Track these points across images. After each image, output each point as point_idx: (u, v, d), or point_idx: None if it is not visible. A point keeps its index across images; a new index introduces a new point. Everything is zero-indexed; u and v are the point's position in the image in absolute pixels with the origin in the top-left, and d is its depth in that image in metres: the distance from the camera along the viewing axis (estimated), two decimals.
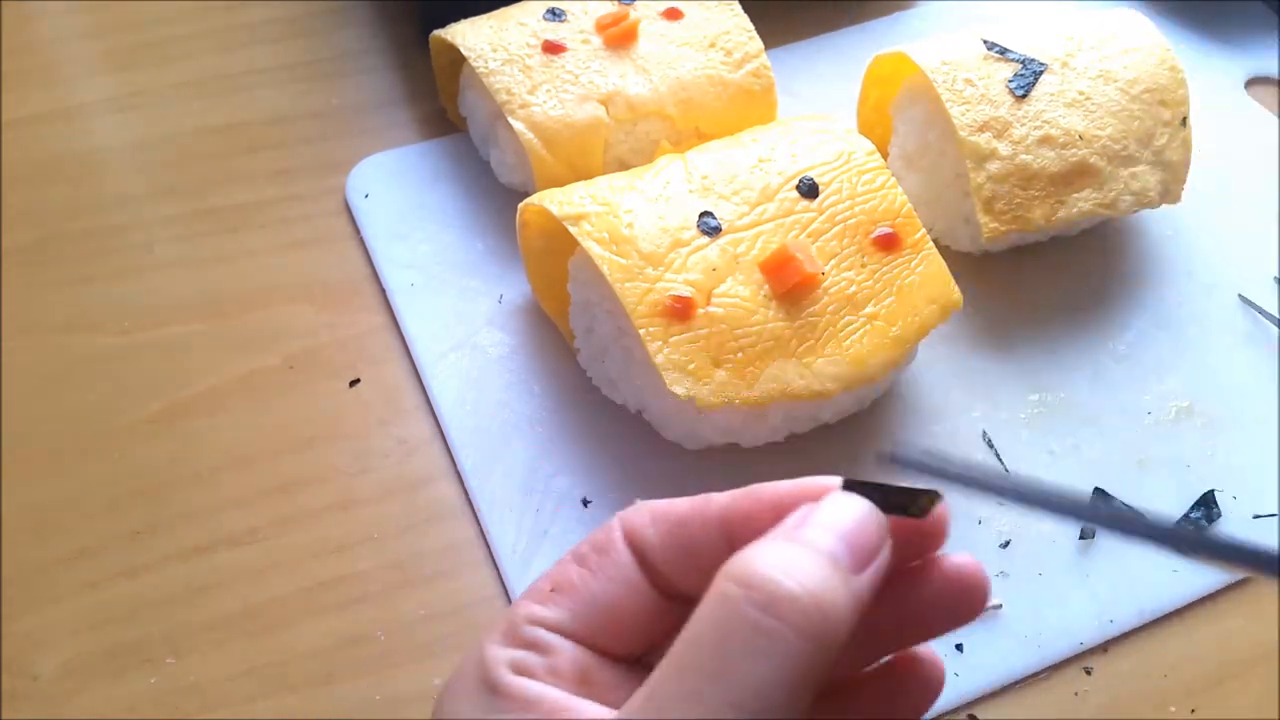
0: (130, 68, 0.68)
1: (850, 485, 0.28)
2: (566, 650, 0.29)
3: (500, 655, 0.29)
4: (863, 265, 0.49)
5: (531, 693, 0.28)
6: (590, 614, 0.30)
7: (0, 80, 0.67)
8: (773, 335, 0.47)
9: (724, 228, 0.49)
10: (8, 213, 0.60)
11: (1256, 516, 0.50)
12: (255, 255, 0.59)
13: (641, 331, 0.46)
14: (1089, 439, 0.52)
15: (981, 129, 0.54)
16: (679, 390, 0.46)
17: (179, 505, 0.50)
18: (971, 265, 0.58)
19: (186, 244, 0.60)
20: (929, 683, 0.31)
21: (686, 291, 0.47)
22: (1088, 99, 0.55)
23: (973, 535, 0.49)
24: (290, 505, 0.50)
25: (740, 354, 0.47)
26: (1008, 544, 0.49)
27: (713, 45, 0.58)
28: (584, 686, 0.29)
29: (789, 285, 0.47)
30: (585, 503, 0.49)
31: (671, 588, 0.30)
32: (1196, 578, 0.48)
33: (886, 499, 0.28)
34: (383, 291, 0.57)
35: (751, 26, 0.59)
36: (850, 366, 0.48)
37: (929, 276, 0.50)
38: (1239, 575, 0.47)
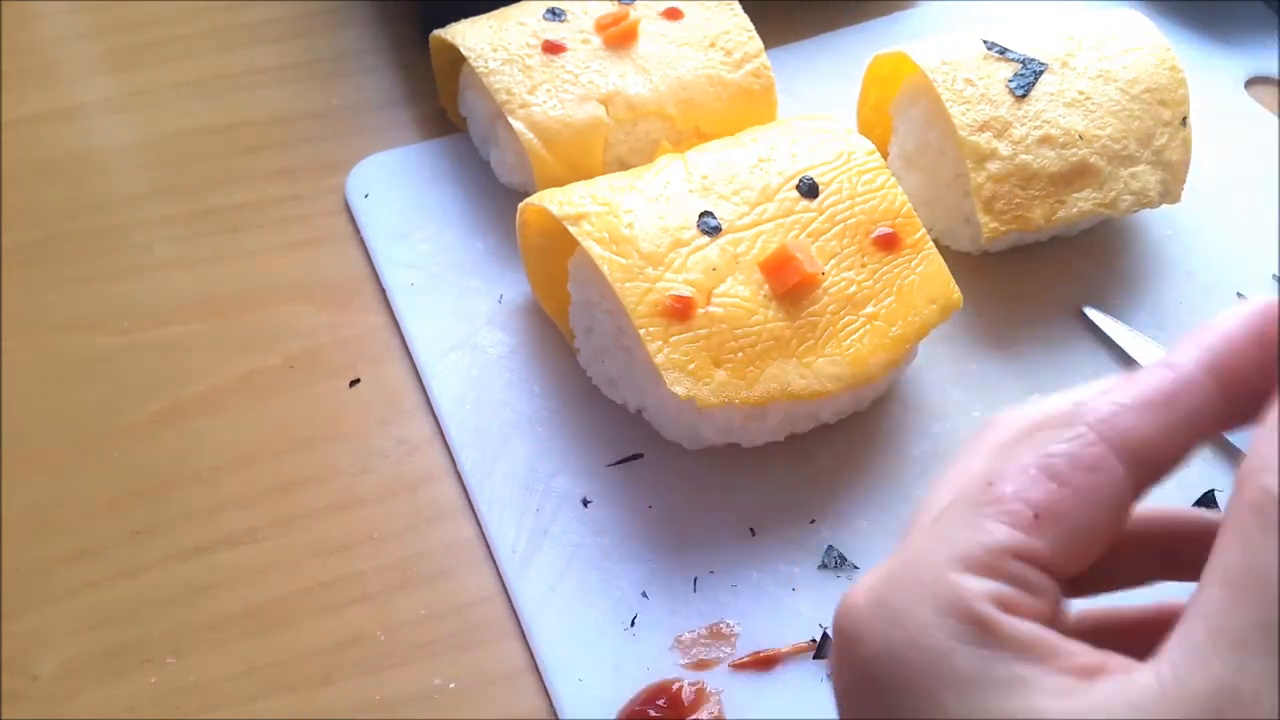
0: (130, 68, 0.68)
1: None
2: (1048, 589, 0.26)
3: (981, 588, 0.25)
4: (863, 265, 0.49)
5: (1030, 634, 0.25)
6: (1074, 545, 0.26)
7: (0, 80, 0.67)
8: (773, 335, 0.47)
9: (724, 227, 0.49)
10: (8, 213, 0.60)
11: None
12: (255, 255, 0.59)
13: (641, 331, 0.46)
14: None
15: (981, 129, 0.54)
16: (679, 390, 0.46)
17: (179, 505, 0.50)
18: (971, 265, 0.58)
19: (186, 244, 0.60)
20: None
21: (686, 291, 0.47)
22: (1088, 99, 0.55)
23: None
24: (290, 505, 0.50)
25: (740, 354, 0.47)
26: None
27: (713, 45, 0.58)
28: (1057, 624, 0.26)
29: (789, 285, 0.47)
30: (585, 503, 0.49)
31: (1152, 486, 0.27)
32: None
33: None
34: (383, 291, 0.57)
35: (751, 26, 0.59)
36: (850, 366, 0.48)
37: (929, 276, 0.50)
38: None
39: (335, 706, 0.44)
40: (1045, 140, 0.54)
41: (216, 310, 0.57)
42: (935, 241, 0.53)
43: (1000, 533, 0.26)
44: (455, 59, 0.61)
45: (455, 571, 0.48)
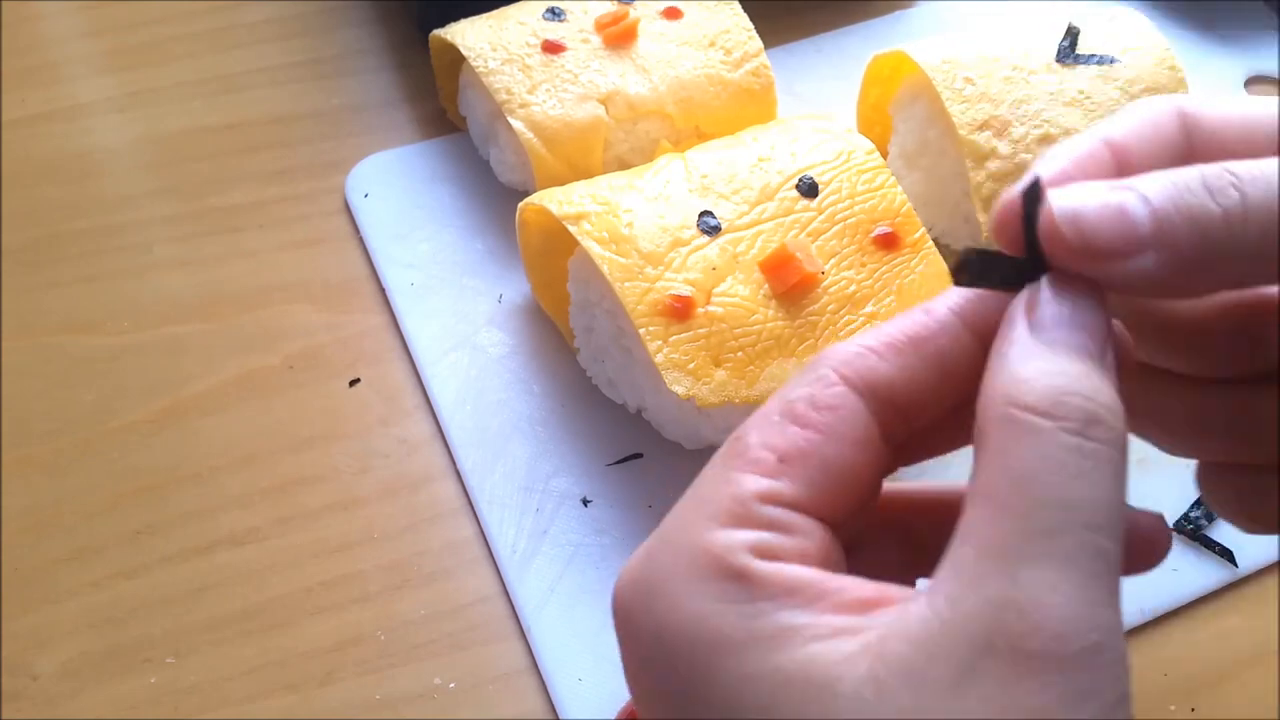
0: (130, 68, 0.68)
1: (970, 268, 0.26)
2: (811, 529, 0.25)
3: (735, 539, 0.24)
4: (862, 264, 0.49)
5: (793, 577, 0.24)
6: (826, 483, 0.25)
7: (0, 80, 0.67)
8: (772, 334, 0.47)
9: (724, 227, 0.49)
10: (8, 213, 0.60)
11: None
12: (255, 255, 0.59)
13: (641, 331, 0.46)
14: None
15: (981, 128, 0.54)
16: (679, 390, 0.46)
17: (179, 505, 0.50)
18: None
19: (186, 244, 0.60)
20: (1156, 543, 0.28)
21: (686, 291, 0.47)
22: (1087, 98, 0.55)
23: None
24: (290, 505, 0.50)
25: (740, 353, 0.47)
26: None
27: (712, 44, 0.58)
28: (830, 569, 0.25)
29: (789, 284, 0.47)
30: (585, 502, 0.49)
31: (903, 430, 0.27)
32: (1196, 577, 0.48)
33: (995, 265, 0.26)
34: (383, 291, 0.57)
35: (751, 26, 0.59)
36: None
37: (929, 276, 0.50)
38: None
39: (335, 706, 0.44)
40: (1045, 139, 0.54)
41: (216, 310, 0.57)
42: (935, 241, 0.53)
43: (746, 481, 0.25)
44: (455, 59, 0.61)
45: (455, 571, 0.48)
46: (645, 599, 0.25)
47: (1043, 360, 0.24)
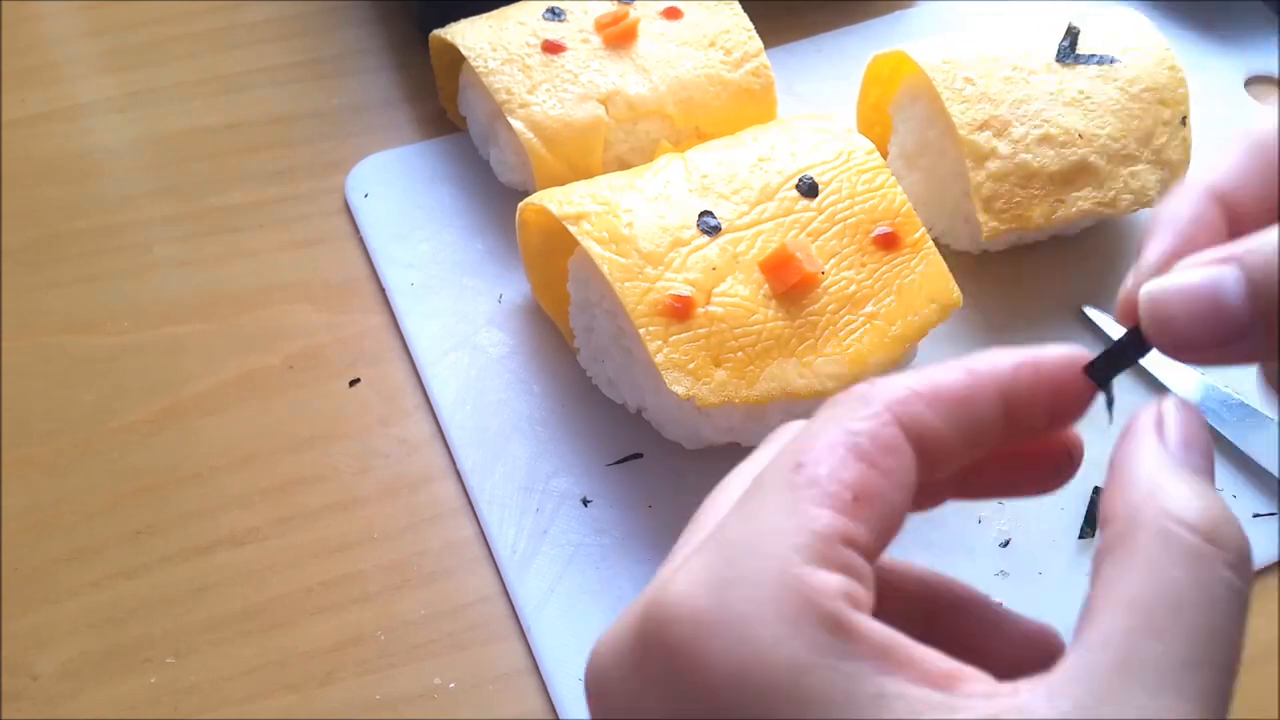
0: (130, 68, 0.68)
1: (1096, 366, 0.26)
2: (871, 580, 0.24)
3: (830, 583, 0.23)
4: (862, 264, 0.49)
5: (885, 637, 0.22)
6: (882, 529, 0.24)
7: (0, 80, 0.67)
8: (772, 334, 0.47)
9: (724, 227, 0.49)
10: (8, 213, 0.60)
11: (1256, 515, 0.50)
12: (255, 255, 0.59)
13: (641, 331, 0.46)
14: (1089, 438, 0.52)
15: (981, 128, 0.54)
16: (679, 390, 0.46)
17: (179, 505, 0.50)
18: (971, 265, 0.58)
19: (186, 244, 0.60)
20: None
21: (686, 291, 0.47)
22: (1087, 98, 0.55)
23: (973, 534, 0.49)
24: (290, 505, 0.50)
25: (740, 353, 0.47)
26: (1008, 543, 0.49)
27: (712, 44, 0.58)
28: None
29: (789, 284, 0.47)
30: (585, 502, 0.49)
31: (933, 479, 0.26)
32: None
33: (1120, 358, 0.26)
34: (383, 291, 0.57)
35: (751, 26, 0.59)
36: (850, 366, 0.48)
37: (929, 276, 0.50)
38: None
39: (335, 706, 0.44)
40: (1045, 139, 0.54)
41: (216, 310, 0.57)
42: (935, 241, 0.53)
43: (825, 517, 0.23)
44: (455, 58, 0.61)
45: (455, 571, 0.48)
46: (726, 638, 0.22)
47: (1190, 484, 0.24)
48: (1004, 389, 0.26)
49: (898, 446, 0.25)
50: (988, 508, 0.50)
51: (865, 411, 0.25)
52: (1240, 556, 0.23)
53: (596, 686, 0.25)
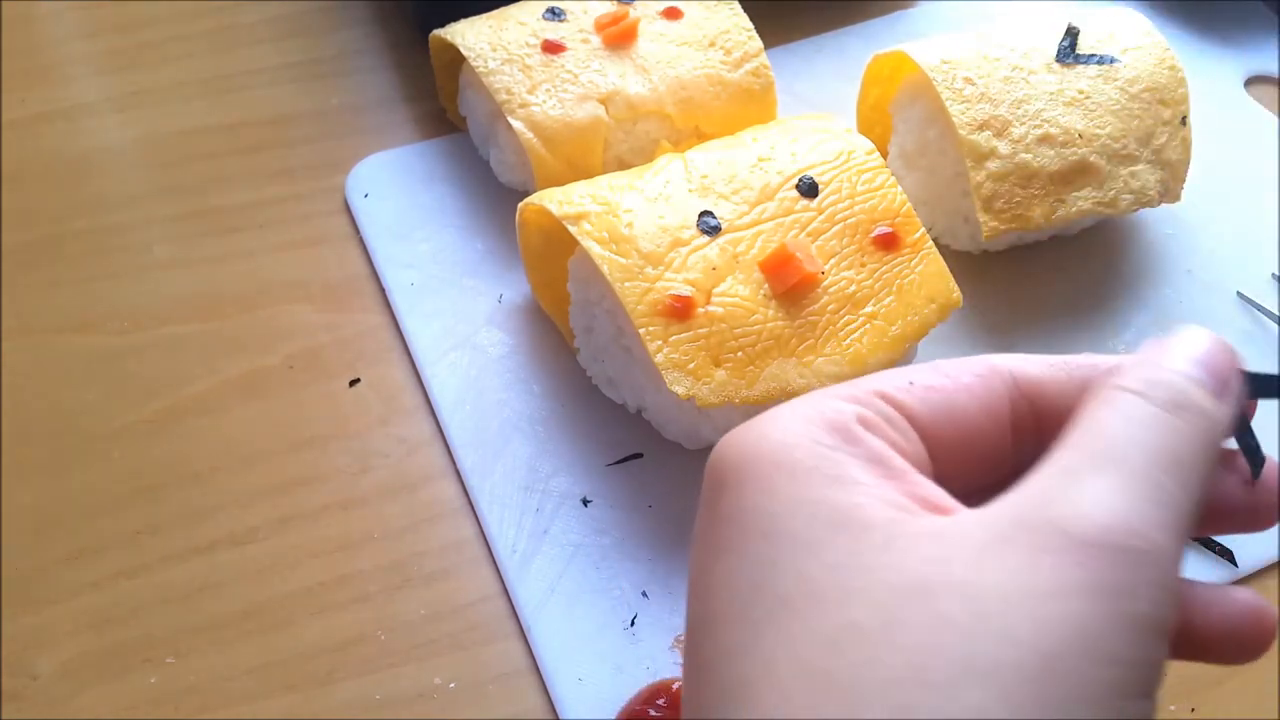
0: (130, 68, 0.68)
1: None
2: (914, 439, 0.26)
3: (847, 407, 0.26)
4: (862, 264, 0.49)
5: (881, 450, 0.25)
6: (943, 420, 0.26)
7: (0, 80, 0.67)
8: (772, 334, 0.47)
9: (724, 227, 0.49)
10: (8, 213, 0.60)
11: None
12: (255, 255, 0.59)
13: (641, 331, 0.46)
14: None
15: (981, 127, 0.54)
16: (679, 389, 0.46)
17: (179, 505, 0.50)
18: (971, 265, 0.58)
19: (186, 244, 0.60)
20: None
21: (686, 291, 0.47)
22: (1087, 98, 0.55)
23: None
24: (290, 505, 0.50)
25: (740, 353, 0.47)
26: None
27: (712, 44, 0.58)
28: None
29: (789, 284, 0.47)
30: (585, 502, 0.49)
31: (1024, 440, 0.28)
32: (1196, 576, 0.48)
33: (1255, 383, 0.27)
34: (383, 291, 0.57)
35: (751, 26, 0.59)
36: (850, 366, 0.48)
37: (928, 276, 0.50)
38: None
39: (335, 706, 0.44)
40: (1045, 139, 0.54)
41: (216, 310, 0.57)
42: (935, 241, 0.53)
43: (871, 381, 0.27)
44: (455, 58, 0.61)
45: (455, 571, 0.48)
46: (746, 432, 0.26)
47: (1152, 372, 0.26)
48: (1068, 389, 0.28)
49: (990, 372, 0.27)
50: None
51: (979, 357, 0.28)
52: (1181, 400, 0.25)
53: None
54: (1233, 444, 0.27)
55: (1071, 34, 0.56)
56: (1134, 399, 0.24)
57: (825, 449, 0.25)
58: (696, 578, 0.26)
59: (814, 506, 0.24)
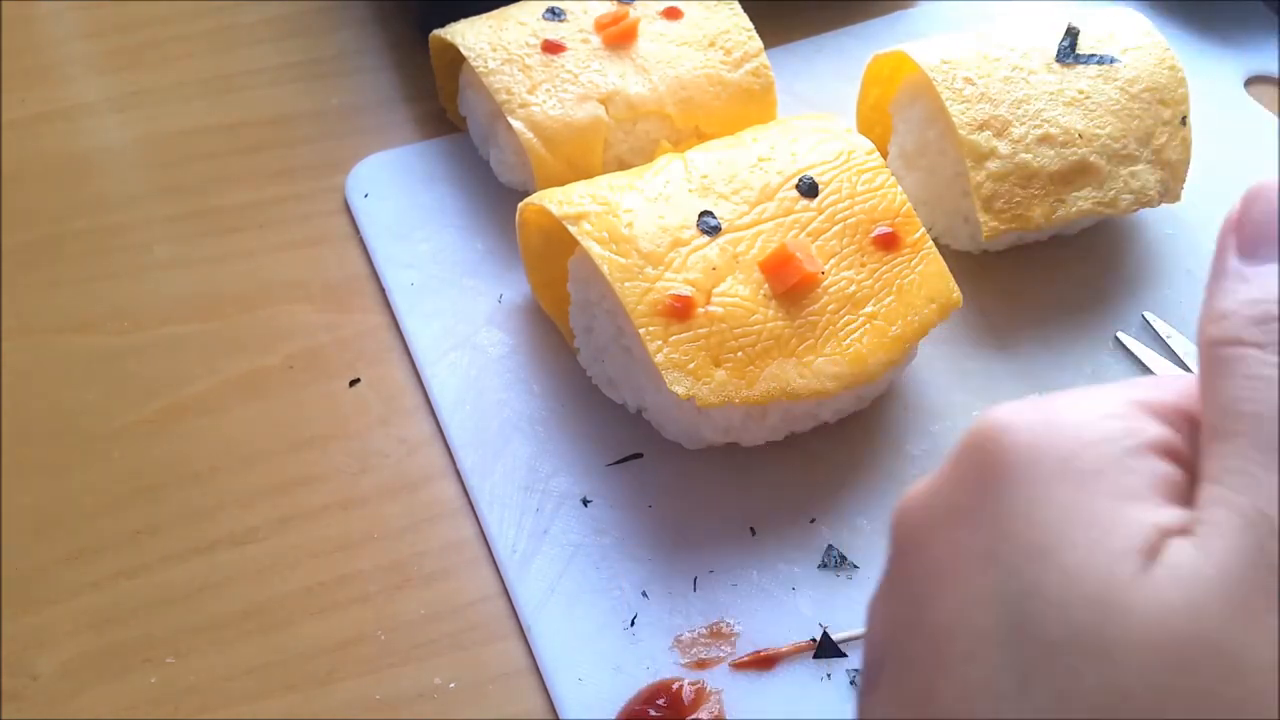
0: (130, 68, 0.68)
1: None
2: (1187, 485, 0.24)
3: (1154, 429, 0.24)
4: (862, 264, 0.49)
5: (1175, 482, 0.24)
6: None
7: (0, 80, 0.67)
8: (772, 334, 0.47)
9: (724, 227, 0.49)
10: (8, 213, 0.60)
11: None
12: (255, 255, 0.59)
13: (641, 331, 0.46)
14: None
15: (981, 127, 0.54)
16: (679, 389, 0.46)
17: (179, 505, 0.50)
18: (971, 264, 0.58)
19: (186, 244, 0.60)
20: None
21: (686, 291, 0.47)
22: (1087, 98, 0.55)
23: None
24: (290, 505, 0.50)
25: (740, 353, 0.47)
26: None
27: (712, 44, 0.58)
28: None
29: (789, 284, 0.47)
30: (585, 502, 0.49)
31: None
32: None
33: None
34: (383, 291, 0.57)
35: (751, 26, 0.59)
36: (850, 366, 0.48)
37: (928, 275, 0.50)
38: None
39: (335, 706, 0.44)
40: (1045, 139, 0.54)
41: (216, 310, 0.57)
42: (935, 241, 0.53)
43: (1174, 389, 0.25)
44: (455, 59, 0.61)
45: (455, 571, 0.48)
46: (1035, 412, 0.24)
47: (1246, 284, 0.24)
48: None
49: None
50: None
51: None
52: None
53: (904, 528, 0.25)
54: None
55: (1071, 34, 0.56)
56: (1253, 353, 0.23)
57: (1119, 451, 0.23)
58: (929, 573, 0.24)
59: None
